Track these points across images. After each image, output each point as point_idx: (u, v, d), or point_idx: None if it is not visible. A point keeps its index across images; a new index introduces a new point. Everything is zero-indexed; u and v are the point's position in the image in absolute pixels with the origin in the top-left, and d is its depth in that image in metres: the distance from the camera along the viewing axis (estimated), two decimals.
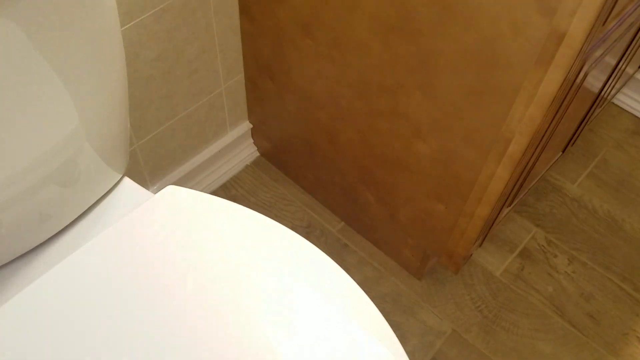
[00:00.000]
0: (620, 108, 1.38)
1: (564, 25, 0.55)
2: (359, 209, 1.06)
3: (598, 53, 0.69)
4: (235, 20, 0.94)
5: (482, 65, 0.65)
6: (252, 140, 1.19)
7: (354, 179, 1.00)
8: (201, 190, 1.12)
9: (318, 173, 1.08)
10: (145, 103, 0.90)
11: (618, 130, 1.34)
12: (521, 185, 0.89)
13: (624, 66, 1.00)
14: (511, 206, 0.96)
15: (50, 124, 0.52)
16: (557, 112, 0.70)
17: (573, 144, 1.06)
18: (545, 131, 0.72)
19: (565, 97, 0.68)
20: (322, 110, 0.94)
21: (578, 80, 0.67)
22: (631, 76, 1.28)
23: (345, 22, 0.76)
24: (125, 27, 0.77)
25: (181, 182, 1.08)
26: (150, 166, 1.00)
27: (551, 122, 0.71)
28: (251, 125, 1.16)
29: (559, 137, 0.90)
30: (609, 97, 1.13)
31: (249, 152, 1.19)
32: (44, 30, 0.47)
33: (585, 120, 1.00)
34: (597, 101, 1.00)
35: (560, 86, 0.61)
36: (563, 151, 1.04)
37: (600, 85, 0.92)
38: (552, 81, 0.60)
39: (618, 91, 1.24)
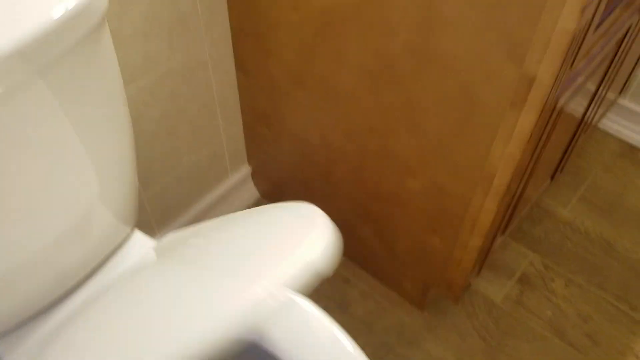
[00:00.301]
0: (606, 132, 1.43)
1: (533, 71, 0.60)
2: (358, 244, 1.10)
3: (571, 90, 0.74)
4: (232, 76, 1.00)
5: (462, 108, 0.70)
6: (252, 183, 1.24)
7: (351, 215, 1.04)
8: None
9: None
10: (151, 158, 0.95)
11: (605, 154, 1.38)
12: (512, 214, 0.93)
13: (603, 93, 1.05)
14: (505, 234, 1.00)
15: (69, 186, 0.57)
16: (536, 147, 0.75)
17: (561, 170, 1.11)
18: (527, 165, 0.77)
19: (542, 133, 0.72)
20: (316, 152, 0.99)
21: (553, 117, 0.72)
22: (613, 101, 1.33)
23: (333, 74, 0.82)
24: (130, 91, 0.83)
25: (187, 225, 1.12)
26: (157, 215, 1.04)
27: (532, 156, 0.76)
28: (251, 168, 1.21)
29: (544, 165, 0.94)
30: (594, 122, 1.18)
31: (249, 193, 1.24)
32: (69, 97, 0.52)
33: (570, 147, 1.04)
34: (581, 128, 1.04)
35: (535, 125, 0.65)
36: (552, 178, 1.09)
37: (582, 112, 0.97)
38: (526, 121, 0.65)
39: (602, 116, 1.29)
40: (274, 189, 1.20)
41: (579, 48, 0.62)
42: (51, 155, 0.53)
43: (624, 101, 1.36)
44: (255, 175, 1.22)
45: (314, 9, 0.76)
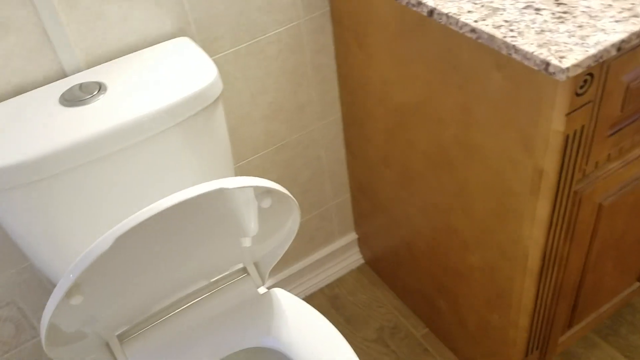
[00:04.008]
0: None
1: (541, 163, 0.71)
2: (436, 316, 1.19)
3: (613, 189, 0.80)
4: (342, 154, 1.22)
5: (497, 193, 0.81)
6: (358, 249, 1.41)
7: (431, 287, 1.15)
8: (310, 286, 1.35)
9: (406, 280, 1.25)
10: None
11: None
12: (574, 307, 0.96)
13: None
14: (573, 328, 1.02)
15: None
16: (571, 237, 0.81)
17: None
18: (567, 253, 0.83)
19: (571, 224, 0.79)
20: (401, 226, 1.13)
21: (585, 211, 0.79)
22: None
23: (408, 157, 0.98)
24: (252, 158, 1.09)
25: (294, 277, 1.32)
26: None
27: (570, 244, 0.82)
28: (357, 236, 1.38)
29: (614, 263, 0.96)
30: None
31: (355, 258, 1.41)
32: (192, 145, 0.77)
33: None
34: None
35: (552, 213, 0.74)
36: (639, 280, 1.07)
37: None
38: (543, 208, 0.74)
39: None
40: (376, 259, 1.35)
41: (590, 149, 0.71)
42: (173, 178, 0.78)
43: None
44: (361, 243, 1.39)
45: (392, 104, 0.95)
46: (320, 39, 1.04)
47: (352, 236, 1.38)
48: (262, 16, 0.95)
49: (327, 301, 1.35)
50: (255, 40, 0.97)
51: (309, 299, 1.36)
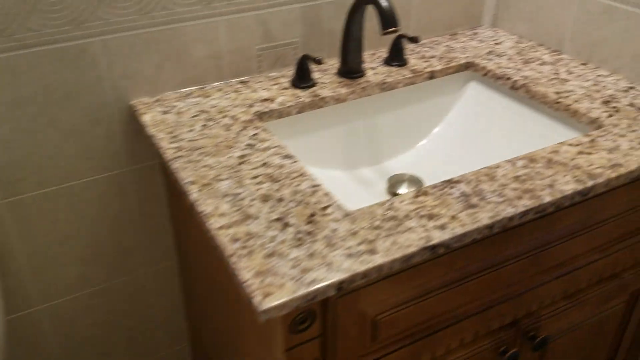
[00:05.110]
0: None
1: None
2: None
3: None
4: (179, 300, 1.14)
5: None
6: None
7: None
8: None
9: None
10: (84, 357, 1.09)
11: None
12: None
13: None
14: None
15: None
16: None
17: None
18: None
19: None
20: None
21: None
22: None
23: (219, 318, 0.91)
24: (60, 301, 1.01)
25: None
26: None
27: None
28: None
29: None
30: None
31: None
32: None
33: None
34: None
35: None
36: None
37: None
38: None
39: None
40: None
41: None
42: None
43: None
44: None
45: (204, 263, 0.90)
46: (150, 188, 1.00)
47: None
48: (78, 162, 0.91)
49: None
50: (68, 184, 0.92)
51: None
